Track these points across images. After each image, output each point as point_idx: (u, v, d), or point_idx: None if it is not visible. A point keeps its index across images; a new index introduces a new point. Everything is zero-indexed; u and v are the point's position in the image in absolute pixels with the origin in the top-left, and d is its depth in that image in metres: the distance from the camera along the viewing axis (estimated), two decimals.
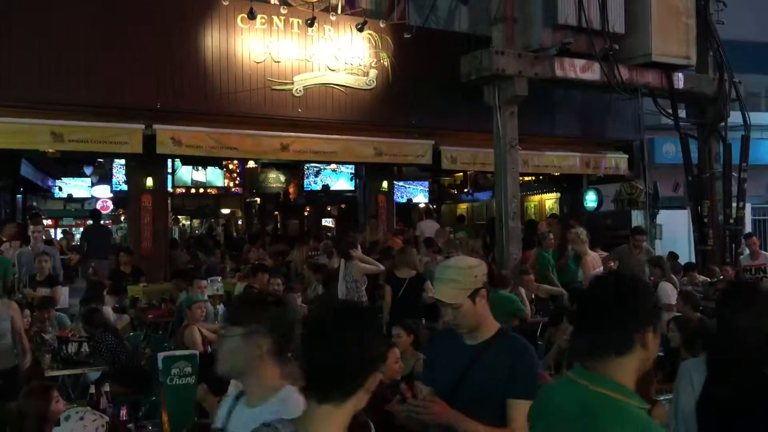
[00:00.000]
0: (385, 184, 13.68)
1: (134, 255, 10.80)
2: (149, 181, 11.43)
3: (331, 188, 17.46)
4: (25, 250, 9.66)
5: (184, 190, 18.87)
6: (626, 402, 1.96)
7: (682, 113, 13.17)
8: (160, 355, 3.78)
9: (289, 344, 2.38)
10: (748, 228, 14.06)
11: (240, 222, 23.38)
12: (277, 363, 2.38)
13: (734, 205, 12.85)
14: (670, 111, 12.60)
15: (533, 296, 9.48)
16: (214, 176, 18.43)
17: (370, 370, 1.93)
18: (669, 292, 8.43)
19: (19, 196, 17.18)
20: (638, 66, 11.61)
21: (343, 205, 20.11)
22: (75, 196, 20.47)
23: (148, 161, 11.02)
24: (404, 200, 18.72)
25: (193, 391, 3.81)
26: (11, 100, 9.74)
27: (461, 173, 18.42)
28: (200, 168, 17.27)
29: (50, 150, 10.53)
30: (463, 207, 20.88)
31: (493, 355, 2.88)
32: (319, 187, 17.47)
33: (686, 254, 13.18)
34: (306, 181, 17.42)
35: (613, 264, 9.38)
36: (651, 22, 11.28)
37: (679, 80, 12.20)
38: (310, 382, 1.93)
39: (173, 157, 12.43)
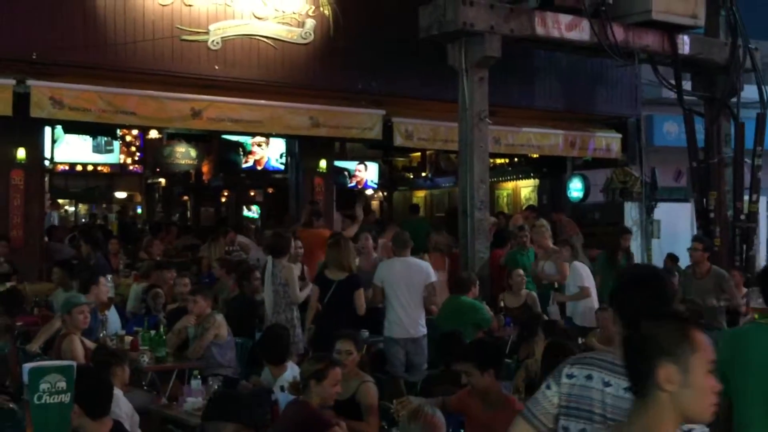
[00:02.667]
0: (323, 163, 13.66)
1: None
2: (20, 153, 11.18)
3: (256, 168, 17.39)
4: None
5: (67, 168, 18.52)
6: None
7: (686, 85, 13.43)
8: (26, 367, 3.69)
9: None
10: (763, 225, 14.46)
11: (139, 209, 23.07)
12: None
13: (746, 197, 13.20)
14: (673, 82, 12.86)
15: (501, 303, 9.62)
16: (105, 150, 18.13)
17: None
18: (583, 274, 8.93)
19: None
20: (636, 25, 11.82)
21: (270, 190, 20.00)
22: None
23: (19, 127, 10.79)
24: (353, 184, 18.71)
25: (68, 412, 3.75)
26: None
27: (419, 153, 18.49)
28: (89, 138, 16.94)
29: None
30: (420, 195, 20.99)
31: None
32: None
33: (688, 256, 13.47)
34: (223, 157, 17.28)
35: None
36: None
37: (685, 44, 12.45)
38: None
39: (53, 122, 12.16)
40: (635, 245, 14.49)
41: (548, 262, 10.14)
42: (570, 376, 2.95)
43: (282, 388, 5.61)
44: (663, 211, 14.89)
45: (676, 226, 14.21)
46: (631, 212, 14.78)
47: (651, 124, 16.13)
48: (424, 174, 19.79)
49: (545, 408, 3.00)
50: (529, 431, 3.02)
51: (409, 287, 8.23)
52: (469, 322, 8.28)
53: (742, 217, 13.12)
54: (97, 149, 18.06)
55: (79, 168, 18.68)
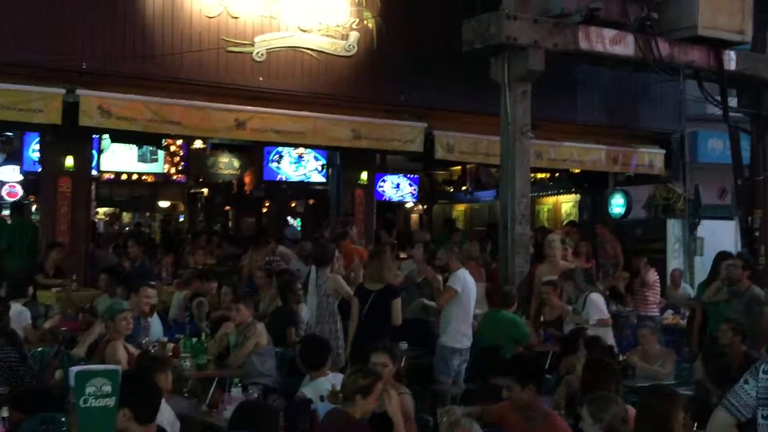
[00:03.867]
0: (364, 175, 13.70)
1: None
2: (69, 161, 11.34)
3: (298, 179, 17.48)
4: None
5: (113, 176, 18.74)
6: None
7: (732, 101, 13.31)
8: (72, 370, 3.73)
9: None
10: None
11: (182, 218, 23.26)
12: None
13: None
14: (719, 98, 12.72)
15: (541, 318, 9.55)
16: (150, 159, 18.33)
17: None
18: (601, 306, 8.67)
19: None
20: (681, 41, 11.72)
21: (311, 201, 20.08)
22: None
23: (68, 135, 10.96)
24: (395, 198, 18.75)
25: (112, 416, 3.78)
26: None
27: (459, 167, 18.48)
28: (134, 147, 17.15)
29: None
30: (460, 208, 20.96)
31: None
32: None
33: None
34: (267, 168, 17.38)
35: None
36: None
37: (731, 60, 12.32)
38: None
39: (101, 131, 12.34)
40: (677, 263, 14.35)
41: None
42: (766, 372, 3.63)
43: (321, 398, 5.62)
44: (706, 228, 14.73)
45: (720, 244, 13.94)
46: (674, 229, 14.64)
47: (695, 140, 15.93)
48: (464, 188, 19.76)
49: (744, 400, 3.69)
50: (728, 419, 3.72)
51: (473, 299, 8.54)
52: (508, 336, 8.26)
53: None
54: (142, 158, 18.22)
55: (124, 177, 18.86)
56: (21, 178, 17.86)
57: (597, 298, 8.74)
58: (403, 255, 13.01)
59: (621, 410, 4.39)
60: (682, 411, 4.53)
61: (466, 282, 8.46)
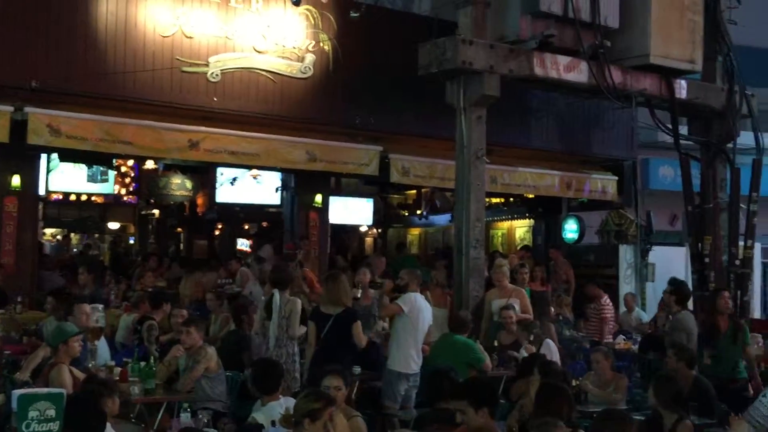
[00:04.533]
0: (319, 198, 13.66)
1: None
2: (15, 180, 11.16)
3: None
4: None
5: (61, 197, 18.46)
6: None
7: (683, 129, 13.51)
8: (15, 393, 3.65)
9: None
10: (757, 272, 14.49)
11: (132, 240, 22.98)
12: None
13: (741, 243, 13.22)
14: (670, 126, 12.92)
15: (495, 343, 9.57)
16: (99, 179, 18.09)
17: None
18: (553, 350, 8.87)
19: None
20: (633, 68, 11.91)
21: (264, 223, 19.96)
22: None
23: (15, 154, 10.79)
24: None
25: None
26: None
27: (414, 190, 18.52)
28: (83, 167, 16.91)
29: None
30: (414, 232, 20.98)
31: None
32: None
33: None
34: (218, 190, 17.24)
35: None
36: (650, 16, 11.60)
37: (682, 89, 12.55)
38: None
39: (49, 150, 12.16)
40: (628, 288, 14.53)
41: (511, 299, 10.06)
42: None
43: (273, 423, 5.54)
44: (658, 254, 14.93)
45: (670, 269, 14.17)
46: (626, 255, 14.83)
47: (647, 167, 16.23)
48: (419, 212, 19.80)
49: (762, 411, 4.37)
50: (751, 430, 4.34)
51: (424, 323, 8.45)
52: (462, 360, 8.24)
53: (737, 262, 13.12)
54: (91, 179, 17.97)
55: (72, 197, 18.60)
56: None
57: (551, 345, 9.01)
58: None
59: None
60: None
61: (414, 304, 8.41)
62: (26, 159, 11.26)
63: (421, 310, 8.46)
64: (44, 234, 19.36)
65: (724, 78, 13.25)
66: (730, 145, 13.19)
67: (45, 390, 3.96)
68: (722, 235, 13.21)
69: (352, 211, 18.17)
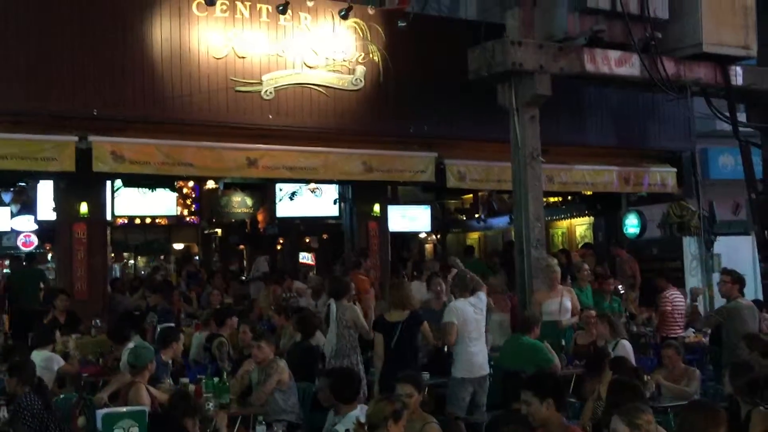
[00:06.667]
0: (377, 207, 13.72)
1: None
2: (83, 207, 11.44)
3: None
4: None
5: (126, 221, 18.82)
6: None
7: (741, 116, 13.28)
8: (99, 413, 3.76)
9: None
10: None
11: (197, 259, 23.29)
12: None
13: None
14: (727, 114, 12.71)
15: (563, 342, 9.49)
16: (164, 202, 18.41)
17: None
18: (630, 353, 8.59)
19: None
20: (686, 58, 11.75)
21: (325, 236, 20.08)
22: None
23: (81, 182, 11.07)
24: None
25: None
26: None
27: (471, 194, 18.48)
28: (147, 191, 17.25)
29: None
30: (474, 236, 20.91)
31: None
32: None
33: (752, 290, 13.16)
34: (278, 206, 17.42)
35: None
36: (701, 4, 11.42)
37: (737, 75, 12.33)
38: None
39: (113, 176, 12.43)
40: (695, 281, 14.27)
41: (564, 299, 9.93)
42: None
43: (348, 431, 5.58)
44: (723, 244, 14.64)
45: (737, 259, 13.88)
46: (690, 247, 14.58)
47: (706, 157, 15.90)
48: (476, 215, 19.74)
49: None
50: None
51: (478, 326, 8.31)
52: (530, 362, 8.19)
53: None
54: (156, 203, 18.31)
55: (137, 221, 18.95)
56: (35, 227, 17.97)
57: (628, 346, 8.75)
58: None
59: (652, 417, 4.40)
60: (723, 426, 4.52)
61: (457, 313, 8.25)
62: (92, 186, 11.54)
63: (466, 316, 8.27)
64: (113, 258, 19.75)
65: None
66: None
67: (128, 408, 4.06)
68: None
69: (410, 219, 18.21)
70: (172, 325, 10.33)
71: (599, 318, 9.34)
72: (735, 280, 9.34)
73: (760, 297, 12.60)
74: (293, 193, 16.21)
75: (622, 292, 12.17)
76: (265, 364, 7.70)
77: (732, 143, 13.52)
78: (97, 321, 10.84)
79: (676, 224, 14.93)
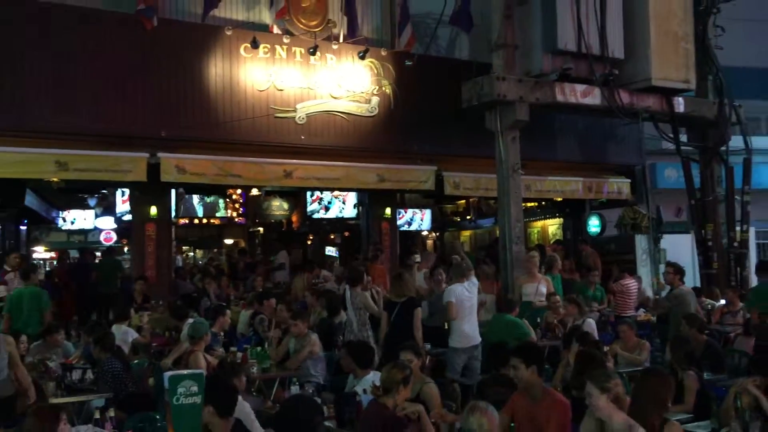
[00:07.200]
0: (388, 210, 13.70)
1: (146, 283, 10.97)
2: (153, 210, 11.47)
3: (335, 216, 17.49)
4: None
5: (187, 221, 18.88)
6: None
7: (683, 137, 13.25)
8: (167, 374, 3.76)
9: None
10: (753, 251, 14.03)
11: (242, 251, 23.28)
12: None
13: (738, 228, 12.85)
14: (671, 135, 12.68)
15: (538, 320, 9.45)
16: (217, 206, 18.46)
17: None
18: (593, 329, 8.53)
19: (23, 227, 17.20)
20: (639, 90, 11.72)
21: (346, 233, 20.08)
22: (78, 227, 20.47)
23: (151, 190, 11.10)
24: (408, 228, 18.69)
25: (199, 411, 3.80)
26: (17, 128, 9.84)
27: (463, 200, 18.42)
28: (204, 197, 17.29)
29: (55, 179, 10.61)
30: (466, 234, 20.85)
31: None
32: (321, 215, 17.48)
33: (691, 278, 13.12)
34: (309, 208, 17.43)
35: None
36: (650, 47, 11.40)
37: (680, 104, 12.30)
38: None
39: (177, 185, 12.47)
40: (644, 271, 14.19)
41: (540, 284, 9.88)
42: None
43: (365, 391, 5.58)
44: (668, 241, 14.54)
45: (679, 253, 13.81)
46: (641, 243, 14.50)
47: (654, 170, 15.84)
48: (468, 217, 19.68)
49: None
50: None
51: (471, 305, 8.29)
52: (511, 335, 8.16)
53: (735, 244, 12.79)
54: (209, 211, 18.38)
55: (196, 221, 19.00)
56: (115, 226, 18.08)
57: (592, 323, 8.75)
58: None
59: (619, 381, 4.38)
60: (671, 388, 4.52)
61: (455, 293, 8.24)
62: (160, 193, 11.56)
63: (461, 297, 8.26)
64: (176, 251, 19.80)
65: (714, 93, 12.97)
66: (723, 148, 12.90)
67: (188, 371, 4.06)
68: (721, 223, 12.95)
69: (415, 220, 18.19)
70: (222, 303, 10.34)
71: (568, 301, 9.30)
72: (677, 270, 9.27)
73: (698, 284, 12.54)
74: (330, 203, 16.38)
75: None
76: (301, 336, 7.71)
77: (675, 159, 13.49)
78: (161, 302, 10.88)
79: (630, 225, 14.88)
